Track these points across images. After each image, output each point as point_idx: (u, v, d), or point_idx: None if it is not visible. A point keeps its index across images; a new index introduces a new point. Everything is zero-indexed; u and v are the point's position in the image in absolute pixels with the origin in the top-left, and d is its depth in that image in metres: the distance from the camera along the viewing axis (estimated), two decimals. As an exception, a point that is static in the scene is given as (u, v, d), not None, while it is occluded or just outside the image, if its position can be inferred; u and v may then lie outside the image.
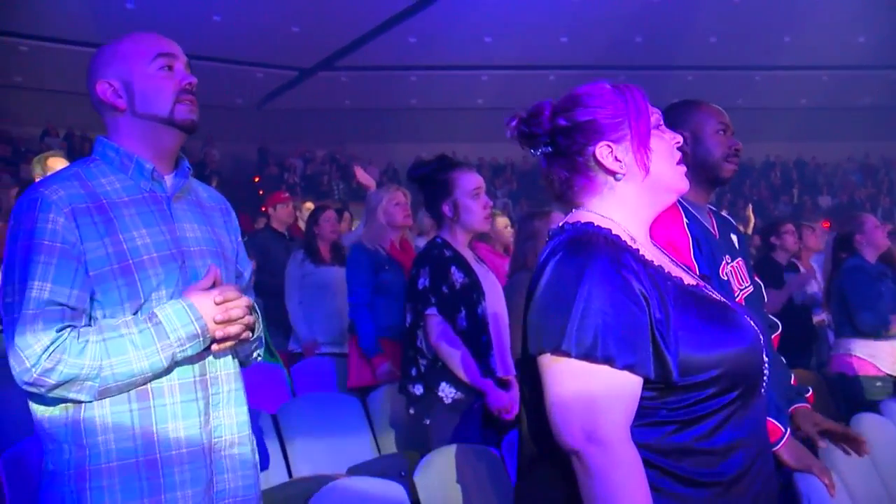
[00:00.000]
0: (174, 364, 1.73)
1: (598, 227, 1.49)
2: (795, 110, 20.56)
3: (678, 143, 1.59)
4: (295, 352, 5.17)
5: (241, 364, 1.96)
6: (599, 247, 1.43)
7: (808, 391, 2.43)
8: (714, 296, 1.55)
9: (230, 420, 1.85)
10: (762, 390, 1.53)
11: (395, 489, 2.60)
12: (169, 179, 1.86)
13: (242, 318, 1.79)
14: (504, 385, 3.18)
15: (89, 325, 1.70)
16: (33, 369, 1.61)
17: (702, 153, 2.31)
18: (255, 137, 19.17)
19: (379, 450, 3.85)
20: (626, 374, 1.37)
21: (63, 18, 13.99)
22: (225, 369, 1.85)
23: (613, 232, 1.49)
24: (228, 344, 1.80)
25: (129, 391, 1.70)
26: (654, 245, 1.61)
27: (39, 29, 14.51)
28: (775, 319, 2.51)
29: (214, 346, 1.77)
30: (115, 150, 1.82)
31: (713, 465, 1.42)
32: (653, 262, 1.49)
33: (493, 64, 18.12)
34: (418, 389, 3.18)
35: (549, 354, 1.40)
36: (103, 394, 1.67)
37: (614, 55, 17.03)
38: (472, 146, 18.78)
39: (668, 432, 1.42)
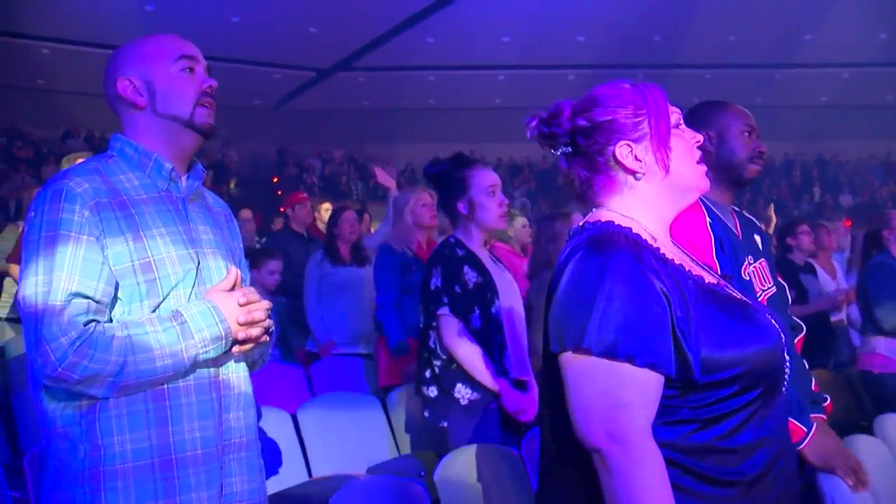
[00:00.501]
0: (194, 365, 1.72)
1: (619, 225, 1.49)
2: (816, 108, 20.40)
3: (698, 142, 1.59)
4: (313, 352, 5.19)
5: (249, 368, 1.95)
6: (620, 245, 1.43)
7: (826, 400, 2.40)
8: (735, 294, 1.55)
9: (239, 423, 1.84)
10: (783, 389, 1.52)
11: (415, 489, 2.60)
12: (184, 180, 1.86)
13: (264, 320, 1.80)
14: (521, 386, 3.16)
15: (110, 321, 1.68)
16: (59, 363, 1.58)
17: (726, 154, 2.32)
18: (273, 138, 19.23)
19: (398, 449, 3.86)
20: (647, 371, 1.37)
21: (84, 21, 14.11)
22: (236, 372, 1.85)
23: (634, 231, 1.49)
24: (248, 346, 1.80)
25: (146, 390, 1.68)
26: (675, 244, 1.61)
27: (60, 32, 14.63)
28: (799, 321, 2.49)
29: (235, 349, 1.77)
30: (133, 148, 1.81)
31: (735, 464, 1.42)
32: (673, 260, 1.49)
33: (511, 63, 18.08)
34: (433, 392, 3.13)
35: (570, 352, 1.40)
36: (122, 391, 1.65)
37: (632, 54, 16.96)
38: (489, 146, 18.75)
39: (690, 431, 1.41)
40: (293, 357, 4.97)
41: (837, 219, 10.42)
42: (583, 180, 1.57)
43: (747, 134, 2.34)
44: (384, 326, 4.29)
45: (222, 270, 1.83)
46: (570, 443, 1.42)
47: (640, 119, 1.52)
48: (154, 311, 1.71)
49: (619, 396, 1.36)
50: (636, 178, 1.54)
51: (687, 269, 1.49)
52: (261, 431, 3.27)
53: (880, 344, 4.38)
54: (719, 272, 1.93)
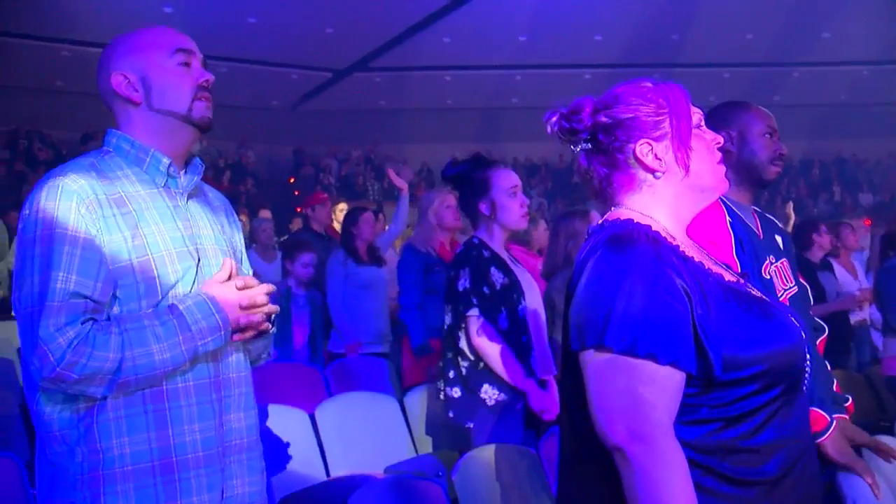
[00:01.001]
0: (194, 360, 1.69)
1: (639, 223, 1.49)
2: (835, 106, 20.23)
3: (719, 143, 1.59)
4: (334, 352, 5.18)
5: (252, 363, 1.93)
6: (641, 243, 1.43)
7: (848, 400, 2.39)
8: (755, 293, 1.54)
9: (240, 424, 1.80)
10: (804, 388, 1.51)
11: (433, 489, 2.60)
12: (182, 176, 1.82)
13: (266, 304, 1.77)
14: (543, 385, 3.16)
15: (108, 319, 1.65)
16: (57, 364, 1.55)
17: (747, 154, 2.32)
18: (290, 138, 19.27)
19: (416, 449, 3.86)
20: (669, 369, 1.36)
21: (103, 23, 14.18)
22: (236, 372, 1.81)
23: (653, 228, 1.48)
24: (250, 334, 1.77)
25: (144, 390, 1.65)
26: (694, 243, 1.60)
27: (80, 34, 14.71)
28: (821, 322, 2.48)
29: (237, 336, 1.74)
30: (130, 143, 1.77)
31: (756, 465, 1.41)
32: (693, 258, 1.48)
33: (528, 63, 18.04)
34: (457, 392, 3.14)
35: (591, 350, 1.40)
36: (122, 388, 1.62)
37: (650, 53, 16.87)
38: (506, 146, 18.72)
39: (711, 431, 1.41)
40: (319, 358, 4.97)
41: (857, 218, 10.33)
42: (602, 177, 1.57)
43: (769, 135, 2.34)
44: (407, 327, 4.30)
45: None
46: (591, 441, 1.41)
47: (661, 118, 1.52)
48: (153, 308, 1.68)
49: (641, 394, 1.35)
50: (655, 177, 1.53)
51: (707, 267, 1.49)
52: (269, 429, 3.29)
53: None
54: (739, 270, 1.92)
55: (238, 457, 1.79)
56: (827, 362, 2.40)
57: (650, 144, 1.52)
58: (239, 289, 1.73)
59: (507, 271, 3.15)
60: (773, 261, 2.25)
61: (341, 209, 6.82)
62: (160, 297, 1.69)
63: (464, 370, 3.12)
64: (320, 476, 3.52)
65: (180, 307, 1.67)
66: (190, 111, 1.78)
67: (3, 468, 2.67)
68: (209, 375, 1.74)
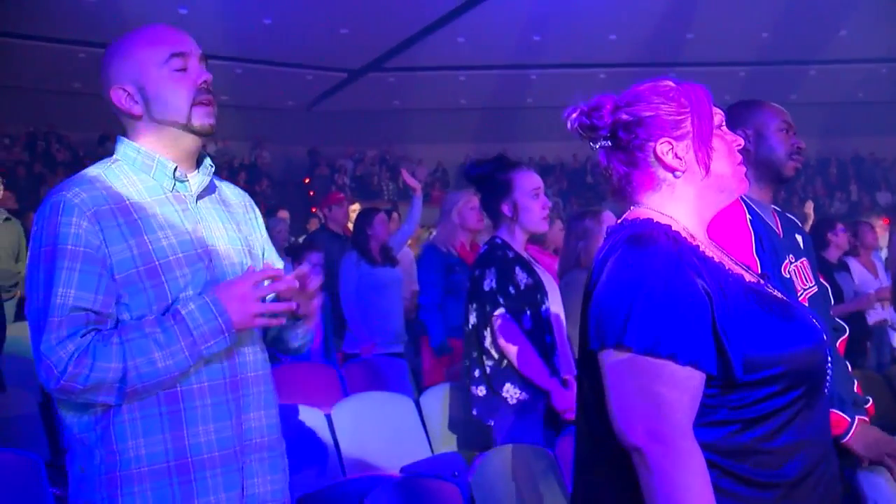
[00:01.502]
0: (202, 362, 1.70)
1: (658, 223, 1.49)
2: (852, 104, 20.09)
3: (739, 145, 1.58)
4: (349, 352, 5.19)
5: (296, 351, 1.95)
6: (660, 242, 1.42)
7: (869, 402, 2.37)
8: (775, 293, 1.53)
9: (260, 423, 1.81)
10: (825, 389, 1.50)
11: (450, 489, 2.60)
12: (193, 178, 1.83)
13: (284, 286, 1.76)
14: (565, 385, 3.17)
15: (115, 328, 1.67)
16: (60, 376, 1.59)
17: (765, 151, 2.32)
18: (305, 139, 19.32)
19: (432, 449, 3.86)
20: (689, 370, 1.36)
21: (118, 25, 14.28)
22: (254, 371, 1.82)
23: (673, 228, 1.48)
24: (273, 321, 1.77)
25: (158, 392, 1.67)
26: (713, 243, 1.60)
27: (96, 36, 14.79)
28: (842, 323, 2.46)
29: (259, 321, 1.73)
30: (136, 150, 1.79)
31: (776, 467, 1.40)
32: (713, 258, 1.48)
33: (542, 63, 18.00)
34: (482, 391, 3.16)
35: (610, 350, 1.39)
36: (132, 395, 1.65)
37: (665, 52, 16.81)
38: (521, 145, 18.67)
39: (731, 432, 1.40)
40: (331, 358, 4.99)
41: (875, 217, 10.26)
42: (621, 175, 1.57)
43: (785, 131, 2.34)
44: (427, 326, 4.31)
45: (236, 266, 1.81)
46: (608, 441, 1.41)
47: (682, 117, 1.52)
48: (164, 314, 1.69)
49: (660, 395, 1.35)
50: (675, 176, 1.53)
51: (727, 268, 1.48)
52: (292, 430, 3.30)
53: None
54: (759, 268, 1.91)
55: (259, 455, 1.80)
56: (848, 363, 2.38)
57: (671, 143, 1.51)
58: (256, 283, 1.72)
59: (530, 272, 3.17)
60: (793, 260, 2.24)
61: (354, 210, 6.84)
62: (170, 302, 1.70)
63: (488, 369, 3.14)
64: (336, 476, 3.52)
65: (182, 311, 1.67)
66: (189, 119, 1.78)
67: (24, 468, 2.69)
68: (224, 376, 1.75)
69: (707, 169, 1.52)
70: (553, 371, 3.12)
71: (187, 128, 1.78)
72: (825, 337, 1.51)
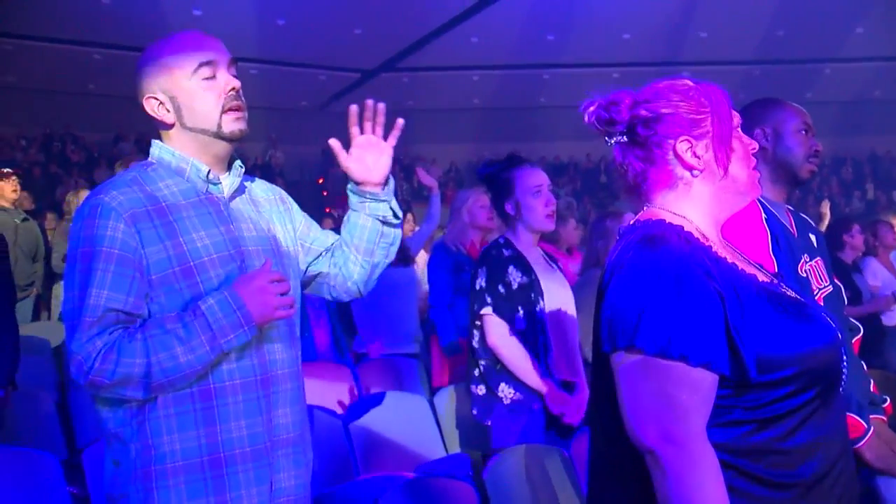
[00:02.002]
0: (234, 360, 1.76)
1: (671, 224, 1.48)
2: (868, 103, 19.97)
3: (754, 149, 1.57)
4: (359, 352, 5.20)
5: (391, 223, 2.17)
6: (673, 244, 1.42)
7: (886, 401, 2.35)
8: (789, 293, 1.52)
9: (287, 419, 1.86)
10: (841, 389, 1.49)
11: (464, 489, 2.60)
12: (225, 180, 1.89)
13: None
14: (569, 387, 3.15)
15: (141, 325, 1.73)
16: (89, 371, 1.66)
17: (783, 152, 2.29)
18: (319, 139, 19.29)
19: (446, 449, 3.86)
20: (701, 371, 1.35)
21: (133, 26, 14.35)
22: (282, 368, 1.87)
23: (686, 229, 1.47)
24: (291, 311, 1.81)
25: (191, 389, 1.73)
26: (727, 243, 1.59)
27: (111, 38, 14.89)
28: (856, 322, 2.45)
29: (280, 313, 1.77)
30: (171, 154, 1.85)
31: (792, 467, 1.39)
32: (726, 259, 1.47)
33: (556, 62, 17.99)
34: (481, 390, 3.15)
35: (622, 352, 1.38)
36: (157, 389, 1.70)
37: (678, 51, 16.77)
38: (534, 145, 18.68)
39: (746, 432, 1.39)
40: (344, 357, 4.99)
41: (893, 215, 10.18)
42: (637, 172, 1.56)
43: (804, 132, 2.31)
44: (437, 326, 4.30)
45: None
46: (621, 443, 1.40)
47: (702, 117, 1.51)
48: None
49: (673, 397, 1.34)
50: (693, 175, 1.52)
51: (740, 268, 1.47)
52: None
53: None
54: (776, 267, 1.90)
55: (285, 451, 1.85)
56: (863, 363, 2.37)
57: (690, 142, 1.50)
58: (273, 278, 1.77)
59: (527, 271, 3.12)
60: (808, 259, 2.23)
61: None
62: None
63: (482, 368, 3.13)
64: (350, 476, 3.53)
65: (202, 307, 1.72)
66: (220, 127, 1.84)
67: (41, 467, 2.71)
68: (255, 374, 1.80)
69: (725, 170, 1.51)
70: (546, 372, 3.07)
71: (218, 134, 1.84)
72: (840, 336, 1.50)
